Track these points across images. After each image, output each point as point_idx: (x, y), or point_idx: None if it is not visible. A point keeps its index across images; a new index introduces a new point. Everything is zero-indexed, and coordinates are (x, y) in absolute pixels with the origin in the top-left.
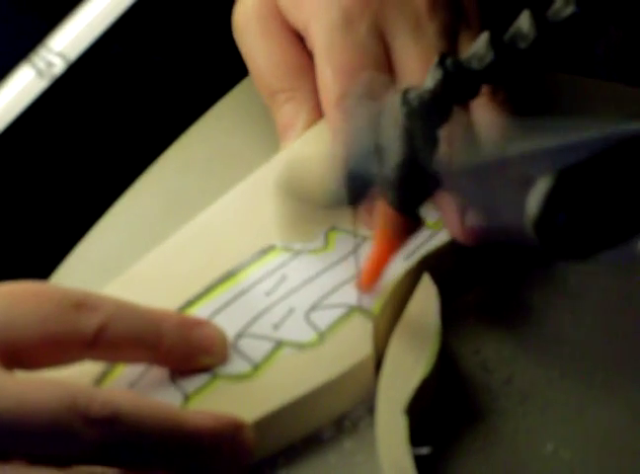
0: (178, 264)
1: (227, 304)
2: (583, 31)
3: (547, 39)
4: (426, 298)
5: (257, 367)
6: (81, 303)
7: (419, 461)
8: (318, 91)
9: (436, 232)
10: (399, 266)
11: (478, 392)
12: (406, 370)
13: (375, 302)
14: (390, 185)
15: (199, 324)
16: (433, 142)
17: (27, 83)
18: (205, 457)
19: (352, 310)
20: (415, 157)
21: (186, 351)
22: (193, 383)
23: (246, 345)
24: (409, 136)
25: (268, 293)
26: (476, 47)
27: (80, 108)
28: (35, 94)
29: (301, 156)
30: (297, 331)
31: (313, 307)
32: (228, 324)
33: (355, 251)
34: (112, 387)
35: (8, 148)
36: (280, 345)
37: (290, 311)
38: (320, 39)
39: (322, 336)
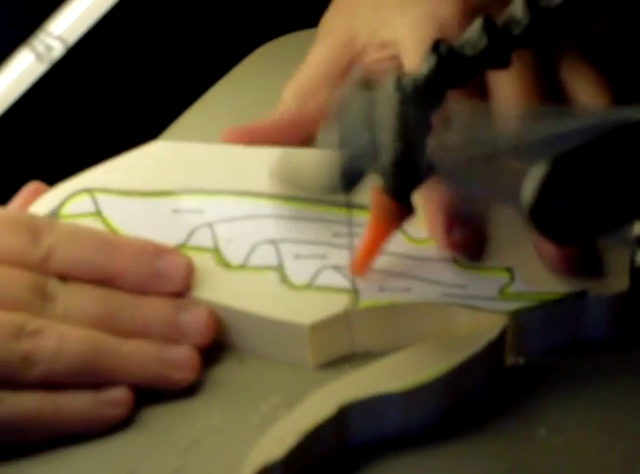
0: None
1: (307, 218)
2: (575, 16)
3: (541, 25)
4: (485, 334)
5: (242, 267)
6: (32, 229)
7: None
8: None
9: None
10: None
11: None
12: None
13: (370, 297)
14: (384, 171)
15: (160, 252)
16: (426, 128)
17: (26, 67)
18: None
19: (347, 289)
20: (409, 143)
21: (144, 278)
22: (198, 240)
23: (262, 249)
24: (403, 122)
25: (336, 235)
26: (470, 33)
27: (79, 91)
28: (34, 78)
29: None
30: (300, 270)
31: (336, 267)
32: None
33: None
34: None
35: (7, 131)
36: (276, 268)
37: (322, 257)
38: (410, 53)
39: (307, 287)
